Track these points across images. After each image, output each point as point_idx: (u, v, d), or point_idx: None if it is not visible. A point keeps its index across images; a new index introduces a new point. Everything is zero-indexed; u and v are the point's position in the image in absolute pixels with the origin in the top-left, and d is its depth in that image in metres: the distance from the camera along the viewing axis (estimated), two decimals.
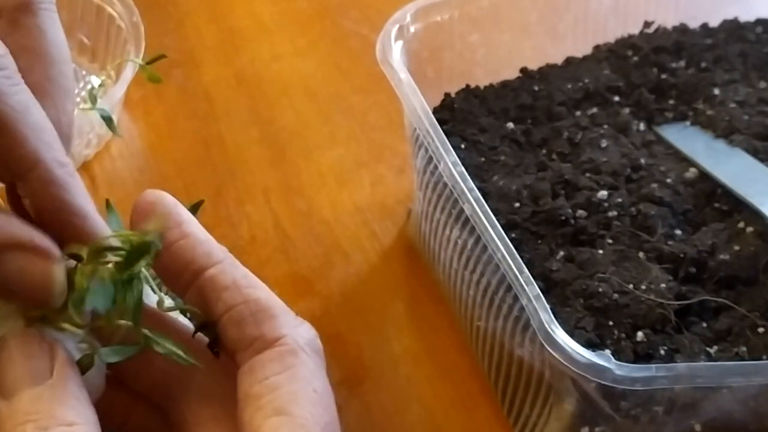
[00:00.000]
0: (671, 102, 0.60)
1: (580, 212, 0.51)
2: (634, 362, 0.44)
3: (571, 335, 0.41)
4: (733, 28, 0.64)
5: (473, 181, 0.47)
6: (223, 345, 0.33)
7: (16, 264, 0.29)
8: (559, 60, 0.63)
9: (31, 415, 0.28)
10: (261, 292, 0.32)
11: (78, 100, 0.67)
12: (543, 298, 0.42)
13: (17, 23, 0.32)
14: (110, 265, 0.31)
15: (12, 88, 0.29)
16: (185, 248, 0.32)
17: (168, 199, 0.33)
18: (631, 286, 0.46)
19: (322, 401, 0.31)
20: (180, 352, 0.31)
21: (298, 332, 0.32)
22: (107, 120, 0.56)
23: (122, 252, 0.31)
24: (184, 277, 0.33)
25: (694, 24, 0.64)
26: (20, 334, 0.30)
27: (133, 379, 0.33)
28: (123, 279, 0.31)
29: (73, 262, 0.30)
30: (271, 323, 0.31)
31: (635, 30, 0.65)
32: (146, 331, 0.31)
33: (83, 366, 0.31)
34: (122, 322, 0.31)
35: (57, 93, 0.32)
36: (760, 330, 0.45)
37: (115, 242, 0.31)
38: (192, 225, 0.33)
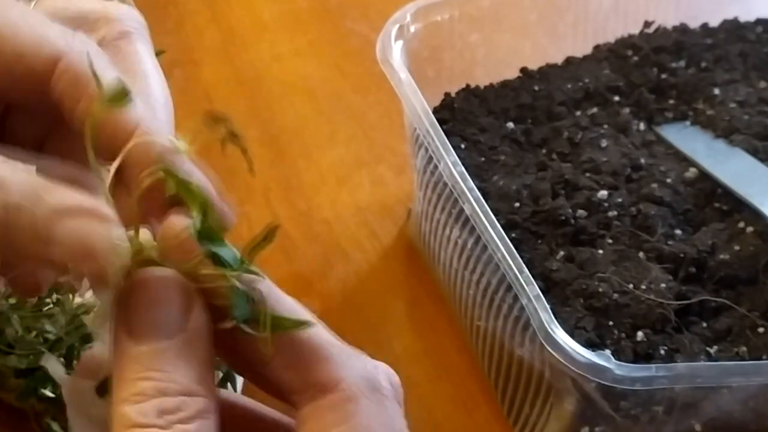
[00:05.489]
0: (671, 102, 0.60)
1: (580, 212, 0.51)
2: (634, 362, 0.44)
3: (571, 335, 0.41)
4: (733, 28, 0.64)
5: (473, 181, 0.47)
6: (278, 386, 0.31)
7: (76, 231, 0.28)
8: (559, 60, 0.63)
9: (153, 372, 0.27)
10: (310, 328, 0.30)
11: None
12: (543, 298, 0.42)
13: (119, 50, 0.35)
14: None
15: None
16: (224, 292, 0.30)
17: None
18: (631, 286, 0.46)
19: None
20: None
21: (355, 372, 0.30)
22: None
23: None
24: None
25: (694, 24, 0.64)
26: (161, 274, 0.29)
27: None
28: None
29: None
30: (325, 367, 0.29)
31: (635, 30, 0.65)
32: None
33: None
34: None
35: (154, 104, 0.34)
36: (760, 330, 0.45)
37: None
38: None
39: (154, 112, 0.34)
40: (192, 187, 0.31)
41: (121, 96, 0.31)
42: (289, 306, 0.30)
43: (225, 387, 0.40)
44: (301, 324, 0.29)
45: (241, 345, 0.30)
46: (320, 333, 0.30)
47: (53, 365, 0.36)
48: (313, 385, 0.29)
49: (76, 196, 0.29)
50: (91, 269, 0.28)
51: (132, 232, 0.29)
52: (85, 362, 0.31)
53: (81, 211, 0.28)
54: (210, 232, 0.30)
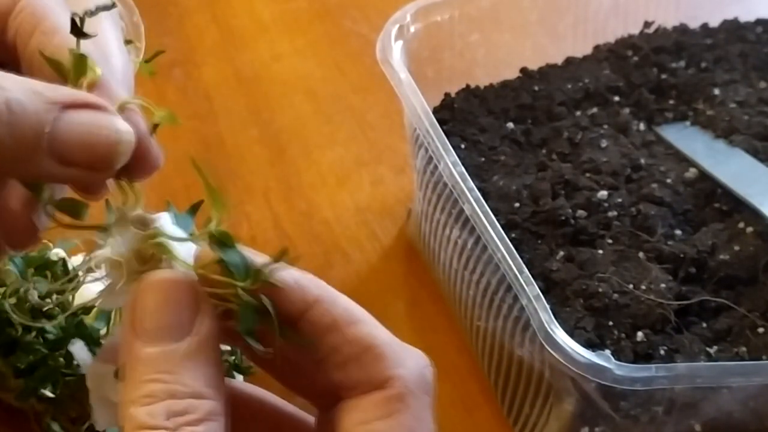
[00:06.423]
0: (671, 102, 0.60)
1: (580, 212, 0.51)
2: (634, 362, 0.44)
3: (571, 335, 0.41)
4: (733, 28, 0.64)
5: (473, 181, 0.47)
6: (324, 384, 0.30)
7: (81, 120, 0.28)
8: (559, 60, 0.63)
9: (162, 375, 0.27)
10: (364, 326, 0.30)
11: None
12: (543, 298, 0.42)
13: None
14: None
15: None
16: (279, 296, 0.30)
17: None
18: (631, 286, 0.46)
19: None
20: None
21: (408, 370, 0.30)
22: None
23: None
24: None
25: (694, 24, 0.64)
26: (171, 276, 0.28)
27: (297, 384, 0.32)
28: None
29: None
30: (379, 365, 0.30)
31: (635, 30, 0.65)
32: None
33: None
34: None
35: (112, 69, 0.33)
36: (760, 330, 0.46)
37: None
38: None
39: (111, 69, 0.33)
40: (218, 193, 0.30)
41: (82, 64, 0.30)
42: (344, 306, 0.30)
43: (232, 376, 0.40)
44: (311, 341, 0.29)
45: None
46: (376, 330, 0.30)
47: (79, 350, 0.36)
48: (366, 383, 0.29)
49: (75, 91, 0.29)
50: (97, 159, 0.29)
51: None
52: (106, 348, 0.32)
53: (83, 104, 0.29)
54: (225, 238, 0.29)
